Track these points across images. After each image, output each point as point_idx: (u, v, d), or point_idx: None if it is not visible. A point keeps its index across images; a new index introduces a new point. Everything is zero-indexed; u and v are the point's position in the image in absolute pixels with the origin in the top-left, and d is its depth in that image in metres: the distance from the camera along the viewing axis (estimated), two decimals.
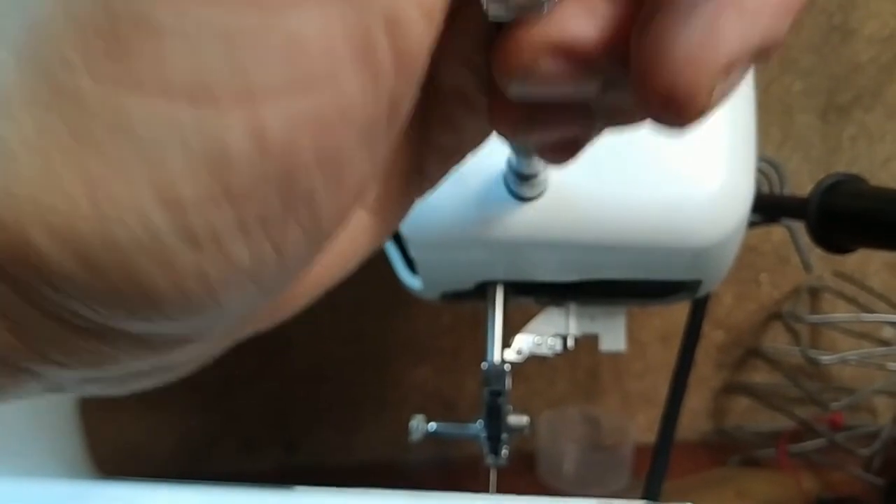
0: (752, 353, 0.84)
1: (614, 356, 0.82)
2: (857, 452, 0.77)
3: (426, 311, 0.77)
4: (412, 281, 0.45)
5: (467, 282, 0.44)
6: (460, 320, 0.77)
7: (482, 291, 0.45)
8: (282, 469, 0.79)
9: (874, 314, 0.79)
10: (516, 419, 0.43)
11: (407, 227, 0.40)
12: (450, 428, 0.45)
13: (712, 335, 0.84)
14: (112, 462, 0.76)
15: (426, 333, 0.78)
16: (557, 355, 0.45)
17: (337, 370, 0.78)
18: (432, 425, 0.45)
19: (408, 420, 0.75)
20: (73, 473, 0.54)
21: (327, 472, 0.79)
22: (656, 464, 0.53)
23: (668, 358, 0.79)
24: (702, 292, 0.45)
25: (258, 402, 0.78)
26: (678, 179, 0.39)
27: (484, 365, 0.42)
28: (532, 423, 0.80)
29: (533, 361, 0.82)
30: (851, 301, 0.81)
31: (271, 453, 0.79)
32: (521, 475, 0.80)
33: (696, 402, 0.85)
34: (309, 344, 0.78)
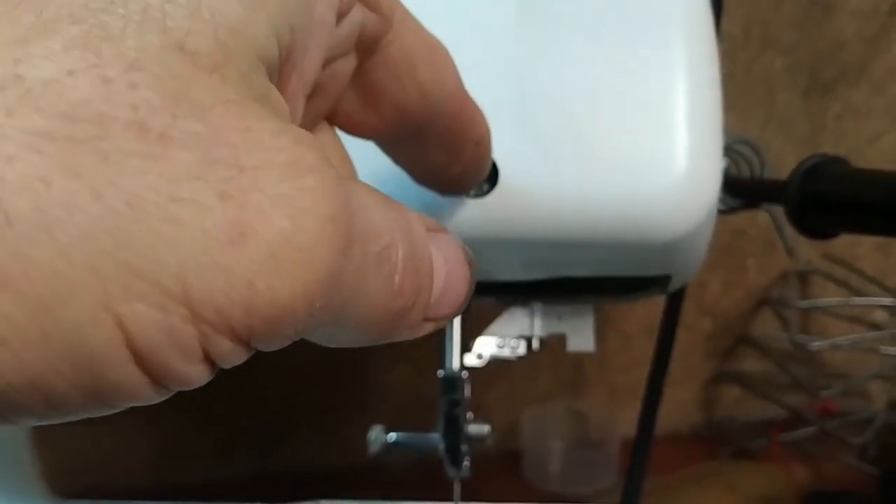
0: (742, 341, 0.81)
1: (599, 350, 0.80)
2: (851, 441, 0.75)
3: None
4: None
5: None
6: None
7: None
8: (258, 475, 0.76)
9: (865, 297, 0.76)
10: (477, 428, 0.41)
11: None
12: (410, 438, 0.43)
13: (700, 324, 0.81)
14: (83, 474, 0.74)
15: None
16: (521, 358, 0.43)
17: (313, 373, 0.76)
18: (392, 436, 0.43)
19: (386, 422, 0.73)
20: (28, 497, 0.52)
21: (305, 478, 0.77)
22: (635, 466, 0.50)
23: (652, 350, 0.77)
24: (673, 287, 0.43)
25: (233, 408, 0.76)
26: (639, 169, 0.36)
27: (440, 373, 0.40)
28: (516, 420, 0.77)
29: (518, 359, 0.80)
30: (841, 284, 0.79)
31: (248, 459, 0.77)
32: (505, 474, 0.78)
33: (686, 394, 0.82)
34: (284, 348, 0.75)
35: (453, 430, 0.40)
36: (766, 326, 0.81)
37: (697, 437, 0.82)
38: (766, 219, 0.75)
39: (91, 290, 0.12)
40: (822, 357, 0.80)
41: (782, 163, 0.73)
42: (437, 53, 0.23)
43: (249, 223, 0.12)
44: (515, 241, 0.37)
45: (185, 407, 0.75)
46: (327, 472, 0.78)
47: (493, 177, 0.36)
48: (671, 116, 0.37)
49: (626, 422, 0.77)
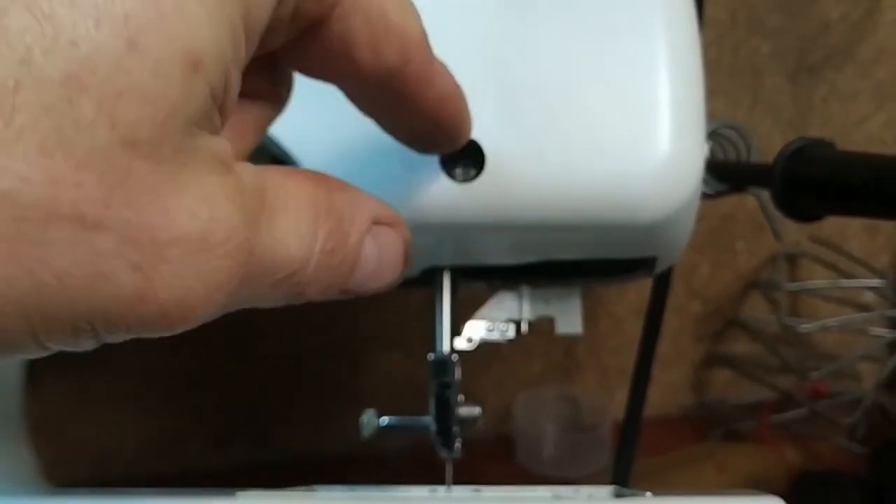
0: (732, 324, 0.82)
1: (590, 333, 0.80)
2: (841, 421, 0.76)
3: (395, 299, 0.75)
4: None
5: (412, 268, 0.42)
6: (431, 305, 0.75)
7: (430, 278, 0.43)
8: (254, 463, 0.77)
9: (853, 279, 0.77)
10: (467, 410, 0.41)
11: None
12: (402, 421, 0.43)
13: (690, 307, 0.82)
14: (80, 464, 0.74)
15: (396, 321, 0.76)
16: (511, 341, 0.43)
17: (307, 361, 0.76)
18: (384, 419, 0.43)
19: (381, 409, 0.74)
20: (26, 486, 0.52)
21: (301, 465, 0.77)
22: (624, 446, 0.51)
23: None
24: (659, 269, 0.44)
25: (227, 397, 0.76)
26: (622, 152, 0.37)
27: (430, 356, 0.40)
28: (509, 405, 0.78)
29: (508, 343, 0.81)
30: (830, 267, 0.79)
31: (242, 448, 0.77)
32: (498, 459, 0.78)
33: (677, 376, 0.83)
34: (277, 336, 0.76)
35: (444, 412, 0.40)
36: (756, 309, 0.82)
37: (688, 419, 0.83)
38: (754, 202, 0.76)
39: (21, 328, 0.16)
40: (812, 339, 0.81)
41: (770, 146, 0.74)
42: (389, 31, 0.24)
43: (153, 289, 0.17)
44: (502, 225, 0.38)
45: (179, 397, 0.76)
46: (323, 459, 0.78)
47: (479, 162, 0.37)
48: (653, 99, 0.38)
49: (618, 404, 0.77)
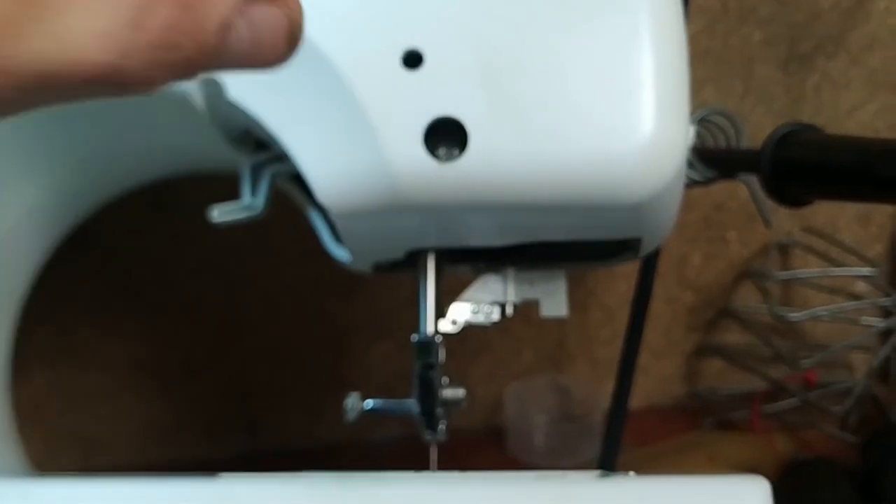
0: (724, 314, 0.82)
1: (581, 323, 0.80)
2: (832, 410, 0.76)
3: (385, 287, 0.75)
4: (340, 253, 0.43)
5: (396, 251, 0.42)
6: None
7: (414, 260, 0.43)
8: (246, 453, 0.77)
9: (844, 268, 0.77)
10: (452, 392, 0.41)
11: (324, 195, 0.38)
12: (387, 405, 0.43)
13: (682, 297, 0.82)
14: (67, 457, 0.74)
15: (386, 309, 0.76)
16: (495, 323, 0.43)
17: (297, 351, 0.76)
18: (368, 402, 0.43)
19: (373, 397, 0.73)
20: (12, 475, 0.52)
21: (292, 455, 0.77)
22: (610, 433, 0.51)
23: None
24: (645, 251, 0.43)
25: (218, 387, 0.76)
26: (605, 131, 0.37)
27: (414, 337, 0.40)
28: (500, 396, 0.78)
29: (498, 332, 0.80)
30: (822, 256, 0.79)
31: (235, 438, 0.77)
32: (490, 449, 0.78)
33: (669, 366, 0.83)
34: (268, 325, 0.76)
35: (428, 393, 0.40)
36: (748, 299, 0.82)
37: (680, 409, 0.82)
38: (745, 191, 0.76)
39: None
40: (803, 328, 0.81)
41: (761, 135, 0.73)
42: None
43: None
44: (486, 205, 0.38)
45: (170, 387, 0.76)
46: (314, 449, 0.78)
47: (462, 142, 0.37)
48: (636, 79, 0.37)
49: (609, 395, 0.77)
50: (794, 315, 0.73)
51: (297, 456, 0.78)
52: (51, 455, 0.73)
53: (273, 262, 0.74)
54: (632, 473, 0.37)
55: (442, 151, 0.37)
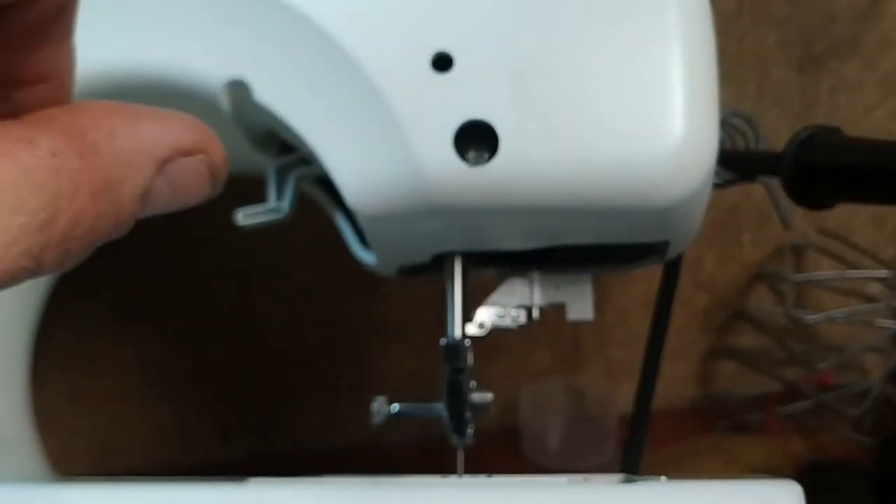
0: (738, 316, 0.82)
1: (596, 325, 0.80)
2: (847, 413, 0.76)
3: (400, 289, 0.75)
4: (366, 256, 0.43)
5: (423, 254, 0.42)
6: (435, 297, 0.75)
7: (440, 264, 0.43)
8: (258, 456, 0.77)
9: (859, 270, 0.77)
10: (480, 396, 0.41)
11: (353, 198, 0.38)
12: (414, 408, 0.43)
13: (696, 299, 0.82)
14: (82, 461, 0.74)
15: (401, 312, 0.76)
16: (522, 327, 0.43)
17: (310, 354, 0.76)
18: (395, 406, 0.43)
19: (388, 400, 0.73)
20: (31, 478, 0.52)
21: (306, 457, 0.77)
22: (634, 436, 0.51)
23: (650, 324, 0.77)
24: (671, 254, 0.43)
25: (231, 391, 0.76)
26: (636, 135, 0.37)
27: (443, 341, 0.40)
28: (515, 397, 0.78)
29: (513, 334, 0.80)
30: (836, 258, 0.79)
31: (247, 442, 0.77)
32: (504, 451, 0.78)
33: (683, 369, 0.83)
34: (280, 328, 0.76)
35: (457, 397, 0.40)
36: (762, 301, 0.81)
37: (695, 412, 0.82)
38: (760, 194, 0.76)
39: None
40: (818, 330, 0.80)
41: (776, 137, 0.74)
42: None
43: None
44: (515, 209, 0.38)
45: (184, 391, 0.76)
46: (329, 451, 0.78)
47: (492, 145, 0.37)
48: (667, 83, 0.37)
49: (624, 397, 0.77)
50: (810, 318, 0.73)
51: (312, 459, 0.77)
52: (66, 458, 0.73)
53: (287, 265, 0.74)
54: (663, 478, 0.37)
55: (472, 155, 0.37)
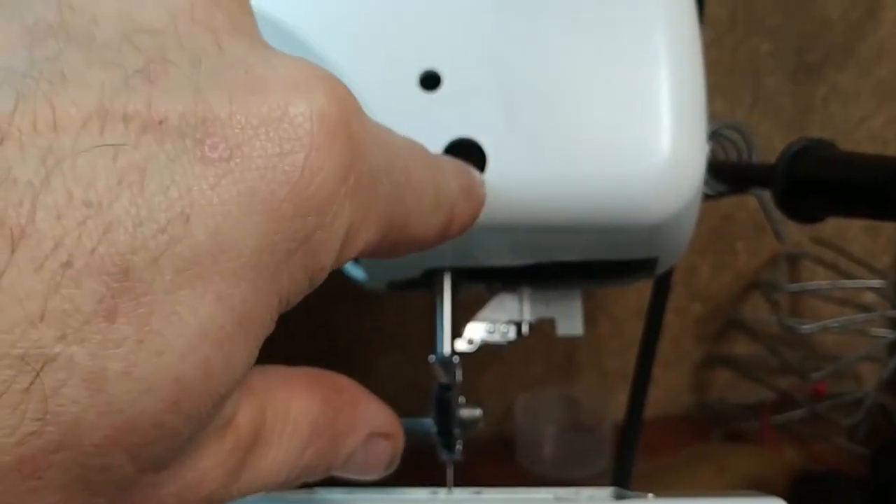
0: (732, 325, 0.82)
1: (591, 334, 0.80)
2: (841, 422, 0.76)
3: (395, 300, 0.75)
4: (356, 272, 0.43)
5: (413, 270, 0.42)
6: (429, 306, 0.75)
7: (430, 279, 0.43)
8: None
9: (854, 280, 0.77)
10: (468, 412, 0.41)
11: None
12: (403, 423, 0.43)
13: (691, 308, 0.82)
14: None
15: (396, 322, 0.76)
16: (511, 343, 0.43)
17: (306, 363, 0.76)
18: None
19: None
20: None
21: None
22: (624, 448, 0.51)
23: None
24: (661, 270, 0.43)
25: None
26: (623, 153, 0.37)
27: (431, 358, 0.40)
28: (510, 407, 0.78)
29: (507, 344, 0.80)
30: (831, 267, 0.79)
31: None
32: (499, 460, 0.78)
33: (677, 377, 0.83)
34: (277, 339, 0.75)
35: (445, 414, 0.40)
36: (757, 310, 0.81)
37: (689, 420, 0.82)
38: (754, 203, 0.76)
39: None
40: (813, 340, 0.80)
41: (770, 146, 0.74)
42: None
43: None
44: (503, 226, 0.38)
45: None
46: None
47: (480, 163, 0.37)
48: (654, 99, 0.37)
49: (619, 406, 0.77)
50: (805, 327, 0.73)
51: None
52: None
53: None
54: (650, 496, 0.37)
55: None
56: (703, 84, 0.39)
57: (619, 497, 0.44)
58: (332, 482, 0.49)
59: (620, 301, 0.79)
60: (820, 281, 0.78)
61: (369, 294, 0.74)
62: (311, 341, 0.76)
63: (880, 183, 0.45)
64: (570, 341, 0.80)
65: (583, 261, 0.41)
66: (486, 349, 0.71)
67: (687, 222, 0.40)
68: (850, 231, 0.81)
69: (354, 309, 0.76)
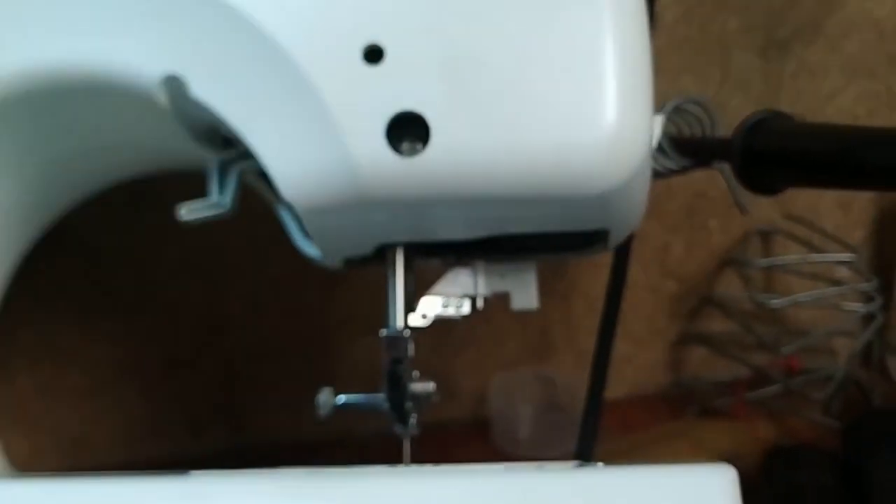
0: (706, 302, 0.82)
1: (565, 313, 0.80)
2: (815, 396, 0.76)
3: (369, 280, 0.75)
4: (310, 249, 0.43)
5: (365, 246, 0.42)
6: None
7: (384, 255, 0.43)
8: (231, 451, 0.77)
9: (824, 254, 0.77)
10: (422, 386, 0.41)
11: (289, 191, 0.38)
12: (358, 399, 0.43)
13: (665, 286, 0.82)
14: (52, 457, 0.74)
15: (370, 303, 0.75)
16: (465, 317, 0.43)
17: (281, 346, 0.76)
18: (340, 398, 0.43)
19: (359, 392, 0.73)
20: None
21: (278, 451, 0.77)
22: (586, 423, 0.51)
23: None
24: (613, 242, 0.43)
25: (202, 384, 0.76)
26: (567, 122, 0.37)
27: (382, 332, 0.40)
28: (485, 387, 0.78)
29: (481, 323, 0.80)
30: (804, 243, 0.79)
31: (219, 435, 0.77)
32: (476, 441, 0.78)
33: (653, 355, 0.83)
34: (250, 321, 0.76)
35: (396, 388, 0.40)
36: (730, 287, 0.82)
37: (664, 398, 0.82)
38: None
39: None
40: (785, 315, 0.81)
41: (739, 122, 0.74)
42: None
43: None
44: (450, 198, 0.38)
45: (154, 385, 0.76)
46: (300, 444, 0.78)
47: (424, 135, 0.37)
48: (598, 70, 0.37)
49: None
50: (776, 302, 0.73)
51: (284, 451, 0.78)
52: (35, 455, 0.73)
53: (254, 257, 0.74)
54: (600, 464, 0.37)
55: (405, 146, 0.37)
56: (649, 54, 0.39)
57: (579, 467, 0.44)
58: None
59: (595, 280, 0.79)
60: (791, 256, 0.78)
61: (343, 276, 0.74)
62: (287, 323, 0.76)
63: (831, 150, 0.45)
64: (545, 320, 0.80)
65: (534, 233, 0.41)
66: (460, 330, 0.72)
67: (636, 193, 0.40)
68: (822, 206, 0.82)
69: (329, 291, 0.76)
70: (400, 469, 0.40)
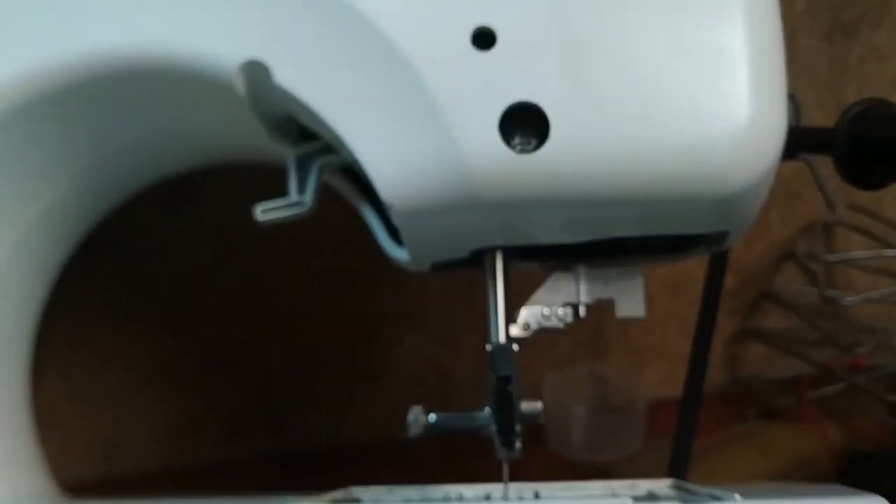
0: (765, 297, 0.78)
1: None
2: (883, 396, 0.72)
3: (415, 279, 0.71)
4: (398, 252, 0.39)
5: (461, 249, 0.38)
6: (451, 283, 0.72)
7: (478, 259, 0.39)
8: (271, 454, 0.74)
9: (893, 249, 0.73)
10: (529, 406, 0.38)
11: (388, 190, 0.34)
12: (454, 419, 0.40)
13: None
14: (85, 461, 0.71)
15: (415, 299, 0.72)
16: (569, 326, 0.40)
17: (322, 345, 0.73)
18: (432, 417, 0.40)
19: (401, 393, 0.69)
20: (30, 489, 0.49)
21: (320, 455, 0.74)
22: (680, 438, 0.48)
23: (675, 308, 0.74)
24: (729, 244, 0.40)
25: (240, 385, 0.73)
26: (698, 119, 0.33)
27: (488, 347, 0.37)
28: (537, 386, 0.75)
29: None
30: (866, 234, 0.76)
31: (259, 438, 0.74)
32: (527, 443, 0.75)
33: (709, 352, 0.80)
34: (290, 321, 0.72)
35: (507, 409, 0.37)
36: (790, 280, 0.78)
37: (721, 397, 0.79)
38: (787, 169, 0.72)
39: None
40: (848, 311, 0.77)
41: (806, 109, 0.70)
42: None
43: None
44: (565, 199, 0.34)
45: (190, 388, 0.72)
46: (341, 447, 0.75)
47: (541, 131, 0.33)
48: (732, 60, 0.34)
49: (650, 384, 0.74)
50: (848, 299, 0.70)
51: (324, 455, 0.74)
52: (68, 459, 0.70)
53: (294, 254, 0.71)
54: (737, 497, 0.34)
55: (517, 141, 0.33)
56: (782, 39, 0.36)
57: (678, 488, 0.41)
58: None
59: (650, 275, 0.75)
60: (861, 252, 0.75)
61: (387, 272, 0.71)
62: (329, 322, 0.73)
63: None
64: (598, 318, 0.76)
65: (646, 236, 0.38)
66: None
67: (762, 192, 0.37)
68: (886, 197, 0.78)
69: (370, 288, 0.73)
70: (505, 496, 0.37)
